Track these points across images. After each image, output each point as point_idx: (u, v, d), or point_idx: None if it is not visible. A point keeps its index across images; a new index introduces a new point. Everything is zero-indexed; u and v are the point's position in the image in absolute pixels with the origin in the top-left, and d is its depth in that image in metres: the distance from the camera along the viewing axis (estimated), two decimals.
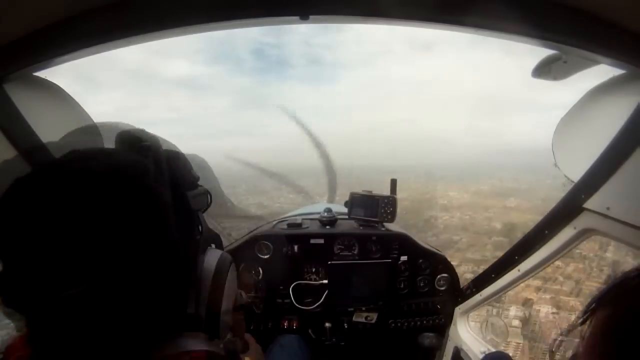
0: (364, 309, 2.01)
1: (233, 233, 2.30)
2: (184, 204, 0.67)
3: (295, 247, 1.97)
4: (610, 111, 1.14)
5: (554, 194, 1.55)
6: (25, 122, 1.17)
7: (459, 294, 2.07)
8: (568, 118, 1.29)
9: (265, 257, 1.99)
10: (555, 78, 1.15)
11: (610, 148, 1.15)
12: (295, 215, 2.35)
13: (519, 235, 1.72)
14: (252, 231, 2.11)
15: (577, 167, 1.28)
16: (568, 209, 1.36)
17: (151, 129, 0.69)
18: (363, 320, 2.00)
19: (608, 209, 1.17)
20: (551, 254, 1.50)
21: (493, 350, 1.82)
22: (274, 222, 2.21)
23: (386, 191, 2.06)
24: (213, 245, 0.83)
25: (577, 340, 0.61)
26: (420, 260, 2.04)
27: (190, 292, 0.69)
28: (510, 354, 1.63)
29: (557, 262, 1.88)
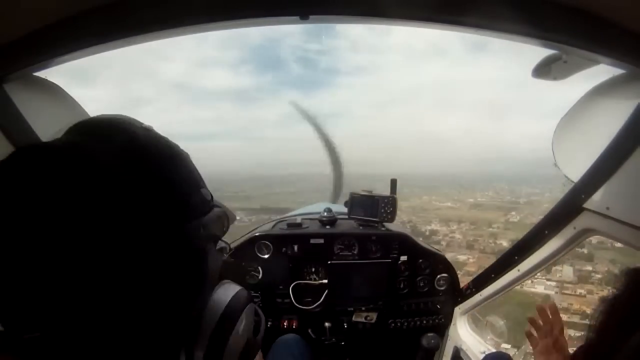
0: (363, 308, 2.01)
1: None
2: (178, 239, 0.49)
3: (295, 247, 1.97)
4: (610, 111, 1.14)
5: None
6: (25, 122, 1.17)
7: (458, 294, 2.07)
8: (568, 118, 1.29)
9: (265, 256, 1.98)
10: (555, 78, 1.15)
11: (610, 148, 1.16)
12: (295, 215, 2.35)
13: None
14: (251, 231, 2.10)
15: (577, 167, 1.28)
16: (568, 208, 1.36)
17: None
18: (363, 320, 2.00)
19: (608, 209, 1.17)
20: (551, 254, 1.51)
21: (493, 350, 1.82)
22: (274, 222, 2.21)
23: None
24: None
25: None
26: (420, 260, 2.04)
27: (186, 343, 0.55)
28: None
29: None
